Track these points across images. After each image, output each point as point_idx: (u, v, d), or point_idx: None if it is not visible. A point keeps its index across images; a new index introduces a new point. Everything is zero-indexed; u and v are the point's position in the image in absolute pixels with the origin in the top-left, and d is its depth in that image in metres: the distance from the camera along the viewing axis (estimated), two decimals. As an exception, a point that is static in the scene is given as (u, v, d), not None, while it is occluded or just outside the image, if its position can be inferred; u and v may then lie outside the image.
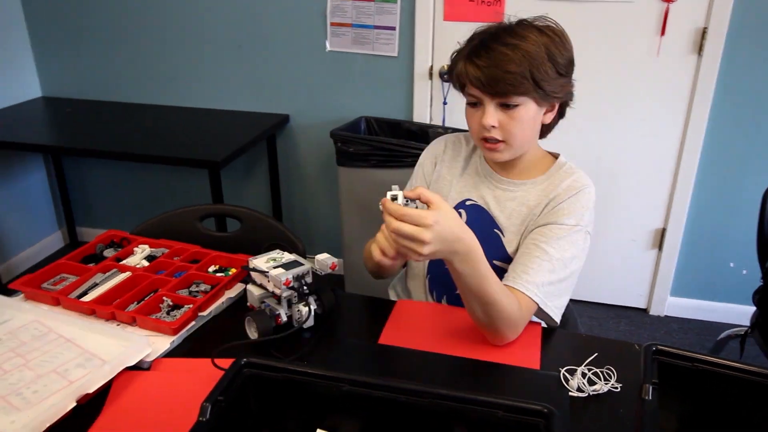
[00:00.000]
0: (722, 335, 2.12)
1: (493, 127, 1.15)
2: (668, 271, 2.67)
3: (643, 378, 0.84)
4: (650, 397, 0.82)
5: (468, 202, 1.30)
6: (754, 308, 1.92)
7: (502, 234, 1.26)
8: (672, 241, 2.61)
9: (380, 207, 0.96)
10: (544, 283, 1.14)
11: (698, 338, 2.60)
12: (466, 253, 1.00)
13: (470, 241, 1.00)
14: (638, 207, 2.60)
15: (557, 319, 1.17)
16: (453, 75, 1.20)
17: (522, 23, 1.15)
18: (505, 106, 1.14)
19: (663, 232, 2.62)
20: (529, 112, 1.15)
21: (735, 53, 2.27)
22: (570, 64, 1.18)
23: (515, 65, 1.09)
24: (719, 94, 2.34)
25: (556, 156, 1.30)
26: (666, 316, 2.75)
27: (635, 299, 2.79)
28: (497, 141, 1.16)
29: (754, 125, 2.37)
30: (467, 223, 1.27)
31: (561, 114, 1.25)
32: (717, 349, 2.14)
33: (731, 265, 2.62)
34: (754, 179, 2.44)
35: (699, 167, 2.47)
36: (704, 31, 2.26)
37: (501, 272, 1.21)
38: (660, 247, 2.65)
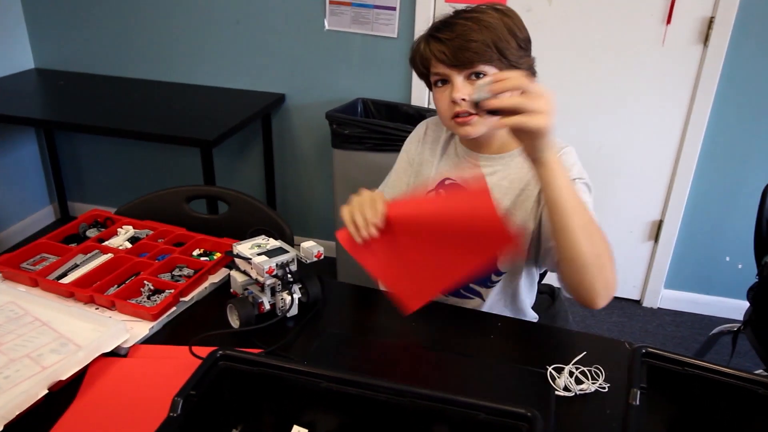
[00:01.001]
0: (714, 330, 2.10)
1: (463, 100, 1.13)
2: (663, 263, 2.65)
3: (631, 382, 0.82)
4: (637, 402, 0.80)
5: (447, 182, 1.29)
6: (747, 303, 1.90)
7: None
8: (668, 233, 2.58)
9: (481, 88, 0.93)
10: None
11: (690, 332, 2.58)
12: (552, 147, 0.97)
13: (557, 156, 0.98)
14: (636, 198, 2.56)
15: None
16: (416, 61, 1.21)
17: (479, 6, 1.16)
18: (473, 77, 1.13)
19: (660, 223, 2.59)
20: None
21: (741, 44, 2.22)
22: (528, 42, 1.18)
23: (478, 34, 1.10)
24: (723, 85, 2.29)
25: None
26: (659, 309, 2.74)
27: (629, 290, 2.77)
28: (469, 114, 1.14)
29: (757, 119, 2.33)
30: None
31: None
32: (709, 345, 2.13)
33: (727, 259, 2.59)
34: (754, 173, 2.41)
35: (699, 159, 2.43)
36: (711, 21, 2.21)
37: None
38: (656, 239, 2.62)
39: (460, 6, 1.18)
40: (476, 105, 0.95)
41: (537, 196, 1.20)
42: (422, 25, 2.43)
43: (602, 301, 1.06)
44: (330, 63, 2.62)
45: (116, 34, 2.83)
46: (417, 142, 1.37)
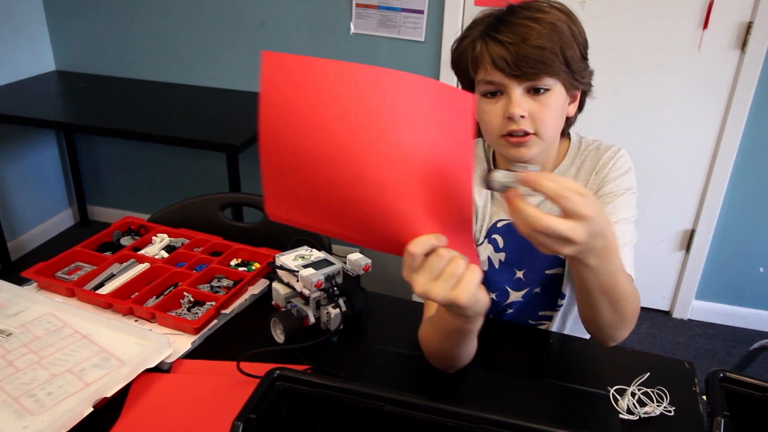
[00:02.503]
0: (755, 345, 2.04)
1: (522, 117, 0.96)
2: (695, 273, 2.59)
3: (713, 410, 0.77)
4: (721, 432, 0.75)
5: (500, 224, 1.15)
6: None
7: None
8: (701, 243, 2.52)
9: (498, 197, 0.78)
10: (625, 251, 1.01)
11: (723, 344, 2.52)
12: (604, 248, 0.77)
13: (612, 234, 0.78)
14: (668, 206, 2.51)
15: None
16: (463, 62, 1.01)
17: (533, 1, 0.99)
18: (534, 92, 0.97)
19: (692, 233, 2.53)
20: (560, 98, 1.00)
21: (780, 50, 2.17)
22: (587, 47, 1.04)
23: (545, 39, 0.93)
24: (761, 92, 2.24)
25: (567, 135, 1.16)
26: (689, 320, 2.68)
27: (658, 301, 2.71)
28: (526, 134, 0.98)
29: (795, 127, 2.28)
30: (506, 247, 1.15)
31: (581, 107, 1.11)
32: (748, 360, 2.07)
33: (761, 270, 2.53)
34: (791, 183, 2.36)
35: (734, 168, 2.37)
36: (749, 26, 2.15)
37: (557, 279, 1.14)
38: (688, 248, 2.56)
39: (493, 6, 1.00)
40: (490, 185, 0.72)
41: None
42: (450, 28, 2.39)
43: (611, 344, 1.00)
44: (356, 67, 2.58)
45: (138, 37, 2.81)
46: None
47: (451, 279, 0.71)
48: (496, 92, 0.99)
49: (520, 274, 1.16)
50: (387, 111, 0.65)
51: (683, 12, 2.20)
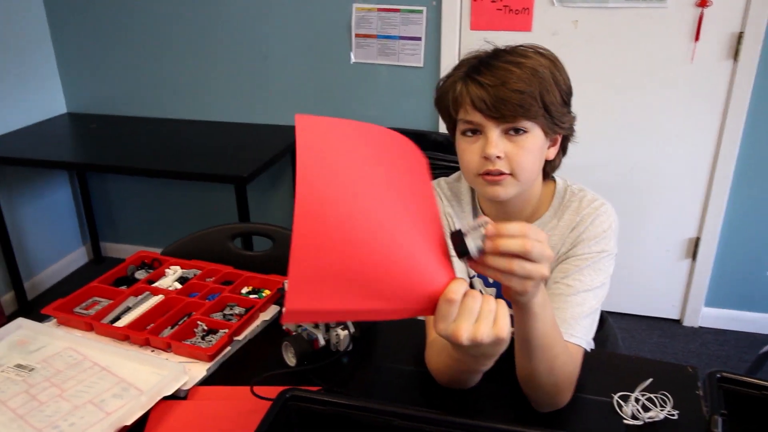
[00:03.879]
0: (765, 349, 2.05)
1: (498, 158, 0.98)
2: (702, 280, 2.60)
3: (710, 409, 0.80)
4: (720, 430, 0.78)
5: None
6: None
7: None
8: (706, 250, 2.54)
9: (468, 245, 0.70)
10: (580, 320, 1.01)
11: (735, 350, 2.52)
12: (544, 291, 0.83)
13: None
14: (672, 216, 2.53)
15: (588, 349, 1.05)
16: (445, 101, 1.04)
17: (518, 47, 1.02)
18: (512, 133, 0.98)
19: (697, 241, 2.55)
20: (537, 141, 1.00)
21: (772, 58, 2.21)
22: (570, 93, 1.04)
23: (524, 84, 0.95)
24: (755, 100, 2.27)
25: (551, 179, 1.15)
26: (700, 327, 2.68)
27: (668, 310, 2.72)
28: (501, 174, 0.99)
29: (792, 131, 2.31)
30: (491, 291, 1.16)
31: (564, 151, 1.11)
32: (759, 363, 2.07)
33: (768, 274, 2.54)
34: (792, 186, 2.38)
35: (734, 175, 2.40)
36: (740, 36, 2.20)
37: None
38: (694, 256, 2.58)
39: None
40: (462, 253, 0.71)
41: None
42: (448, 53, 2.45)
43: (543, 410, 1.00)
44: (357, 94, 2.65)
45: (146, 76, 2.89)
46: (444, 217, 1.18)
47: (489, 316, 0.71)
48: (475, 131, 1.01)
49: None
50: (396, 165, 0.71)
51: (675, 25, 2.25)
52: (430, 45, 2.47)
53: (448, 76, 1.05)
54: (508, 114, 0.96)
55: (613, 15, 2.27)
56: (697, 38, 2.24)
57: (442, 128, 2.56)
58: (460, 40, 2.45)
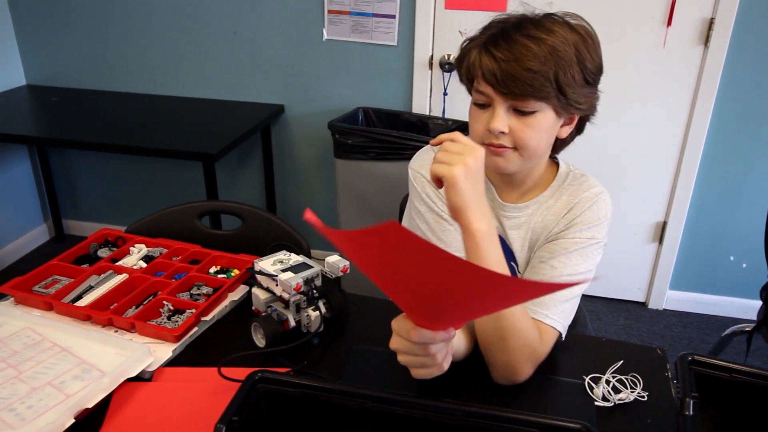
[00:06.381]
0: (727, 331, 2.09)
1: (502, 133, 0.98)
2: (668, 264, 2.64)
3: (682, 392, 0.80)
4: (691, 412, 0.78)
5: None
6: (753, 302, 1.89)
7: (518, 267, 1.14)
8: (673, 234, 2.58)
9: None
10: (559, 303, 1.01)
11: (698, 332, 2.58)
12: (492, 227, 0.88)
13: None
14: (640, 200, 2.56)
15: (564, 336, 1.06)
16: (462, 66, 1.02)
17: (551, 16, 0.98)
18: (520, 112, 0.97)
19: (664, 225, 2.58)
20: (546, 121, 0.99)
21: (742, 45, 2.23)
22: (599, 72, 1.03)
23: (539, 63, 0.92)
24: (724, 86, 2.30)
25: (555, 161, 1.16)
26: (665, 310, 2.73)
27: (634, 293, 2.76)
28: (504, 147, 1.00)
29: (758, 119, 2.34)
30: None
31: (579, 129, 1.11)
32: (721, 345, 2.12)
33: (731, 258, 2.59)
34: (757, 173, 2.42)
35: (702, 160, 2.43)
36: (711, 22, 2.21)
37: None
38: (660, 240, 2.61)
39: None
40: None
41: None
42: (422, 32, 2.42)
43: (500, 382, 1.00)
44: (329, 72, 2.60)
45: (110, 48, 2.79)
46: (432, 191, 1.13)
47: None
48: (485, 104, 1.00)
49: None
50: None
51: (647, 10, 2.25)
52: (404, 23, 2.44)
53: (472, 39, 1.02)
54: (517, 92, 0.94)
55: (588, -2, 2.27)
56: (669, 23, 2.24)
57: (416, 108, 2.54)
58: (435, 19, 2.41)
